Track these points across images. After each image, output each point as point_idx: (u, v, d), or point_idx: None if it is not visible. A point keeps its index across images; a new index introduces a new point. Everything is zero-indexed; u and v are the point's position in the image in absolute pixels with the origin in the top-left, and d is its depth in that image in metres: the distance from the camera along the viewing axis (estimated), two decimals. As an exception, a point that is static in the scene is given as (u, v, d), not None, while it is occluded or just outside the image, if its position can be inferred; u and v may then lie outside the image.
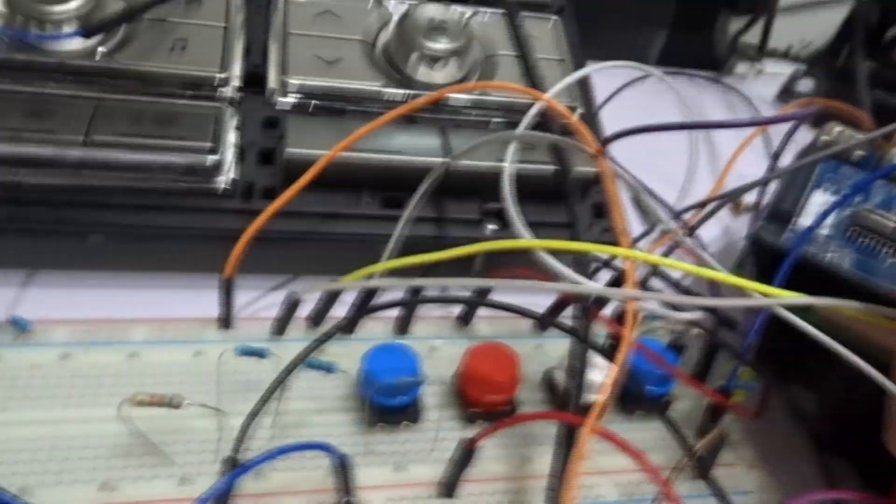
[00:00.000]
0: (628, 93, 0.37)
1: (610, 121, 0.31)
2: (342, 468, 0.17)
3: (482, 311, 0.25)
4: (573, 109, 0.29)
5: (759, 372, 0.20)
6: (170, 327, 0.22)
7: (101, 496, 0.17)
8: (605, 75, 0.34)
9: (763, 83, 0.51)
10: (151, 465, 0.18)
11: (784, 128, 0.29)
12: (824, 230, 0.22)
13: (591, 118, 0.31)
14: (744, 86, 0.50)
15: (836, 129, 0.29)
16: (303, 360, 0.17)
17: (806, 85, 0.50)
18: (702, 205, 0.25)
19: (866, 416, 0.21)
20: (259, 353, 0.19)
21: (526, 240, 0.19)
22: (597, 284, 0.18)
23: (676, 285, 0.22)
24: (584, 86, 0.30)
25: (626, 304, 0.17)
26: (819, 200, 0.24)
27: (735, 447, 0.22)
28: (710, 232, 0.31)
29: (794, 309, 0.20)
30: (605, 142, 0.20)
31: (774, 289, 0.16)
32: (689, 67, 0.45)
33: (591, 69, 0.24)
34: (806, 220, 0.22)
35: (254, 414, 0.17)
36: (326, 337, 0.17)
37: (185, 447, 0.19)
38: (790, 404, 0.21)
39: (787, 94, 0.51)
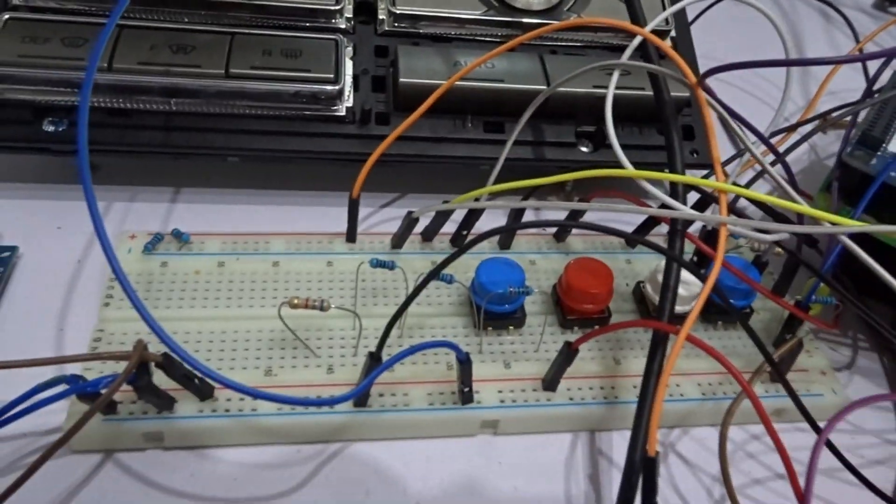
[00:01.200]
0: (716, 10, 0.38)
1: (699, 37, 0.32)
2: (465, 363, 0.20)
3: (576, 230, 0.27)
4: (666, 33, 0.30)
5: (835, 288, 0.22)
6: (304, 240, 0.25)
7: (266, 380, 0.21)
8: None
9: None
10: (303, 356, 0.22)
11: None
12: (914, 157, 0.23)
13: (684, 40, 0.31)
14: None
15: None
16: (437, 275, 0.19)
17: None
18: (792, 128, 0.26)
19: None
20: (388, 266, 0.22)
21: (627, 170, 0.21)
22: (690, 210, 0.20)
23: (765, 206, 0.23)
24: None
25: (718, 227, 0.19)
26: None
27: (810, 354, 0.24)
28: (799, 149, 0.32)
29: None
30: (704, 76, 0.21)
31: (842, 218, 0.17)
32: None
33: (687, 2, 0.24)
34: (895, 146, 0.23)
35: (396, 317, 0.20)
36: (457, 253, 0.19)
37: (328, 343, 0.22)
38: (865, 317, 0.23)
39: (886, 1, 0.50)
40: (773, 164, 0.23)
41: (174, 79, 0.25)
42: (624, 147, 0.27)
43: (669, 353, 0.19)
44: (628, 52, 0.23)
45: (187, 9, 0.27)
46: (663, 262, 0.21)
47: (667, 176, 0.20)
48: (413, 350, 0.19)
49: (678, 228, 0.21)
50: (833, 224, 0.18)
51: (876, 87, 0.27)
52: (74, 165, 0.27)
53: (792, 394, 0.20)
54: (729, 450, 0.23)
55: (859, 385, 0.25)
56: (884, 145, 0.23)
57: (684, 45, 0.31)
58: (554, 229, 0.27)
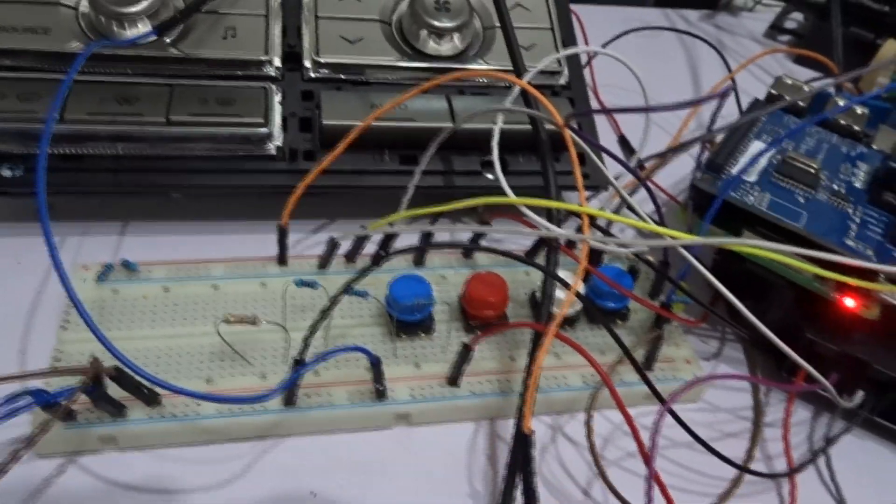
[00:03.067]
0: (629, 36, 0.43)
1: (606, 65, 0.36)
2: (376, 365, 0.24)
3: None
4: (559, 73, 0.35)
5: (682, 290, 0.26)
6: (240, 265, 0.29)
7: (207, 387, 0.24)
8: (605, 16, 0.39)
9: (756, 18, 0.55)
10: (240, 366, 0.25)
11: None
12: (752, 177, 0.28)
13: (576, 79, 0.36)
14: (737, 21, 0.54)
15: (787, 81, 0.34)
16: (348, 288, 0.23)
17: (795, 21, 0.54)
18: (662, 155, 0.30)
19: (786, 322, 0.27)
20: (311, 285, 0.25)
21: (508, 197, 0.25)
22: (559, 230, 0.24)
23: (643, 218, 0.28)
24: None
25: (582, 244, 0.24)
26: (755, 150, 0.29)
27: (678, 346, 0.29)
28: (677, 173, 0.37)
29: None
30: (567, 119, 0.25)
31: (678, 233, 0.21)
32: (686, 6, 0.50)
33: (574, 51, 0.29)
34: (738, 168, 0.28)
35: (314, 328, 0.23)
36: (364, 272, 0.23)
37: (262, 353, 0.26)
38: (708, 310, 0.27)
39: (775, 29, 0.55)
40: (635, 189, 0.27)
41: (120, 127, 0.28)
42: (524, 174, 0.32)
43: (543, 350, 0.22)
44: (510, 98, 0.28)
45: (132, 63, 0.30)
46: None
47: (538, 202, 0.24)
48: (330, 353, 0.23)
49: (553, 245, 0.25)
50: (672, 238, 0.23)
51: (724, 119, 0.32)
52: (31, 206, 0.31)
53: (641, 373, 0.24)
54: (608, 430, 0.27)
55: (723, 371, 0.29)
56: (727, 169, 0.28)
57: (577, 84, 0.35)
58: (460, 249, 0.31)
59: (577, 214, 0.26)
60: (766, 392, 0.29)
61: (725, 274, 0.28)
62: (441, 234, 0.32)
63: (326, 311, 0.23)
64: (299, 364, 0.23)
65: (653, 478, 0.21)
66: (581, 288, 0.28)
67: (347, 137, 0.29)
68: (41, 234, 0.22)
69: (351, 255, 0.29)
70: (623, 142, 0.39)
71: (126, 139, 0.28)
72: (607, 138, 0.39)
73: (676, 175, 0.38)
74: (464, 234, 0.32)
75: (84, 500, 0.22)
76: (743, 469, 0.25)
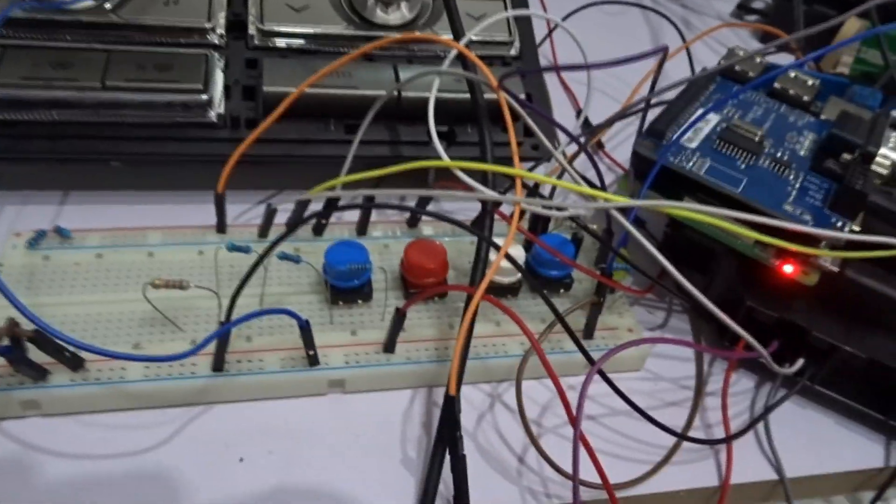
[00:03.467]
0: (593, 11, 0.43)
1: (569, 43, 0.36)
2: (305, 329, 0.23)
3: (427, 216, 0.31)
4: (510, 44, 0.34)
5: (622, 257, 0.26)
6: (178, 232, 0.28)
7: (135, 352, 0.24)
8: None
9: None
10: (170, 332, 0.25)
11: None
12: (693, 143, 0.28)
13: (529, 48, 0.35)
14: (705, 1, 0.54)
15: (739, 52, 0.33)
16: (274, 246, 0.23)
17: (763, 1, 0.54)
18: (609, 122, 0.30)
19: (729, 290, 0.27)
20: (244, 250, 0.25)
21: (443, 161, 0.24)
22: (490, 191, 0.24)
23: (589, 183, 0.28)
24: (521, 20, 0.35)
25: (515, 206, 0.23)
26: (699, 118, 0.29)
27: (621, 315, 0.28)
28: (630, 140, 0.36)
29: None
30: (501, 79, 0.25)
31: (612, 195, 0.21)
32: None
33: (520, 12, 0.29)
34: (679, 135, 0.27)
35: (239, 287, 0.23)
36: (292, 230, 0.23)
37: (194, 320, 0.25)
38: (648, 278, 0.27)
39: (742, 9, 0.55)
40: (576, 154, 0.27)
41: (55, 92, 0.28)
42: (472, 144, 0.31)
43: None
44: (447, 62, 0.27)
45: (71, 30, 0.29)
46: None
47: (472, 164, 0.24)
48: (255, 314, 0.23)
49: (487, 209, 0.24)
50: (605, 200, 0.22)
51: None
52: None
53: (571, 334, 0.23)
54: (547, 398, 0.26)
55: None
56: (667, 135, 0.27)
57: (529, 54, 0.35)
58: (406, 216, 0.30)
59: (513, 178, 0.25)
60: (711, 362, 0.29)
61: (676, 246, 0.29)
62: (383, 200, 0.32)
63: (252, 270, 0.23)
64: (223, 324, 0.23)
65: (578, 439, 0.21)
66: (521, 256, 0.27)
67: (283, 103, 0.28)
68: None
69: (292, 224, 0.29)
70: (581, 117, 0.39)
71: (62, 105, 0.28)
72: (566, 114, 0.39)
73: (629, 149, 0.37)
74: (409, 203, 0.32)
75: (6, 465, 0.22)
76: (679, 436, 0.24)
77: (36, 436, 0.23)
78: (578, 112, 0.39)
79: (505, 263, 0.26)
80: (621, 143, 0.38)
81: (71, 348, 0.23)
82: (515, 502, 0.23)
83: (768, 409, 0.26)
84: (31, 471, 0.22)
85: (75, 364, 0.23)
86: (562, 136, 0.32)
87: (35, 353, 0.22)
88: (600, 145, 0.37)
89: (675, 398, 0.27)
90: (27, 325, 0.22)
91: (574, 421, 0.21)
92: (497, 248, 0.23)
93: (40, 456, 0.22)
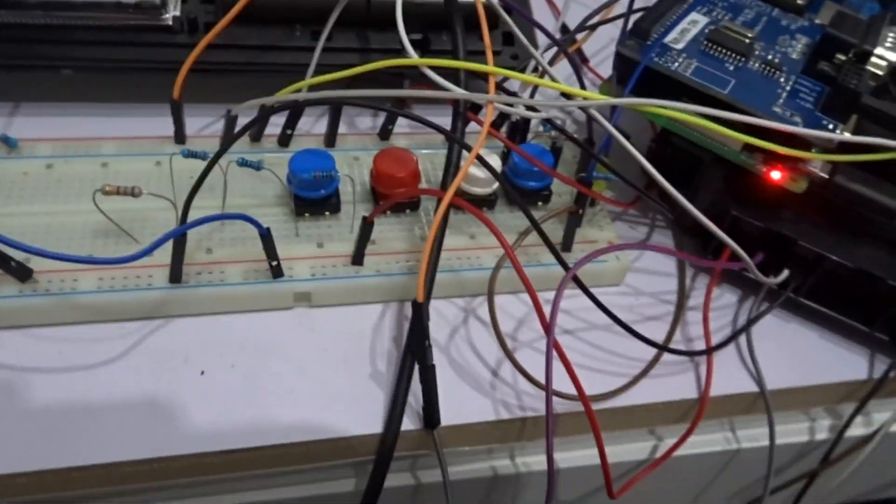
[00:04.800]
0: None
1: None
2: (266, 237, 0.22)
3: (399, 129, 0.29)
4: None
5: (603, 163, 0.24)
6: (134, 143, 0.27)
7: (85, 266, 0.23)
8: None
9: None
10: (126, 243, 0.23)
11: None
12: (680, 45, 0.26)
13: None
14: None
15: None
16: (232, 142, 0.21)
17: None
18: (594, 26, 0.28)
19: (714, 201, 0.26)
20: (201, 156, 0.23)
21: (411, 59, 0.23)
22: (462, 91, 0.22)
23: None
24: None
25: (487, 105, 0.22)
26: (687, 19, 0.27)
27: (601, 228, 0.27)
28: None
29: (648, 113, 0.24)
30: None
31: (591, 93, 0.20)
32: None
33: None
34: (662, 35, 0.26)
35: (193, 190, 0.21)
36: (250, 126, 0.21)
37: (152, 232, 0.24)
38: (632, 187, 0.25)
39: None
40: (555, 57, 0.25)
41: (-5, -11, 0.26)
42: (449, 52, 0.29)
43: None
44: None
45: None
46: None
47: (441, 62, 0.22)
48: (209, 219, 0.21)
49: (458, 110, 0.23)
50: (585, 99, 0.21)
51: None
52: None
53: (545, 239, 0.22)
54: (524, 312, 0.25)
55: (649, 255, 0.28)
56: (652, 35, 0.26)
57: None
58: (378, 129, 0.29)
59: (485, 78, 0.24)
60: (693, 277, 0.28)
61: (661, 160, 0.27)
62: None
63: (207, 169, 0.21)
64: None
65: (552, 346, 0.20)
66: (498, 167, 0.26)
67: (240, 2, 0.26)
68: None
69: (255, 134, 0.27)
70: (565, 30, 0.37)
71: (4, 4, 0.26)
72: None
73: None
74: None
75: (-49, 379, 0.21)
76: (659, 347, 0.24)
77: (-17, 350, 0.22)
78: (563, 25, 0.37)
79: (481, 174, 0.25)
80: (607, 59, 0.36)
81: (18, 257, 0.21)
82: (488, 414, 0.22)
83: (751, 321, 0.25)
84: (-22, 385, 0.21)
85: (23, 274, 0.22)
86: (542, 43, 0.30)
87: (-21, 264, 0.21)
88: (584, 60, 0.35)
89: (655, 312, 0.26)
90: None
91: (547, 328, 0.20)
92: (468, 148, 0.22)
93: (-11, 370, 0.21)
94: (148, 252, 0.21)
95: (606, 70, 0.35)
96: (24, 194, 0.24)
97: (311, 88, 0.26)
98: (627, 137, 0.27)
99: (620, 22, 0.29)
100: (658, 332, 0.26)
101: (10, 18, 0.26)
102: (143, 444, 0.20)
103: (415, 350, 0.20)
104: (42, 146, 0.26)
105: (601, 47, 0.36)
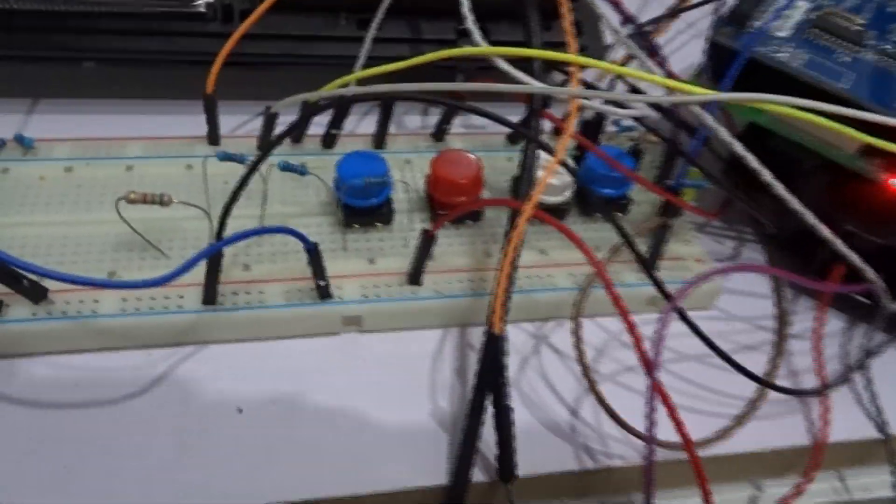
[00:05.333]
0: None
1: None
2: (313, 254, 0.19)
3: (456, 129, 0.26)
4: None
5: (699, 167, 0.21)
6: (162, 144, 0.24)
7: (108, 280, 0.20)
8: None
9: None
10: (152, 257, 0.21)
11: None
12: (782, 32, 0.23)
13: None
14: None
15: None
16: (274, 146, 0.18)
17: None
18: (673, 13, 0.25)
19: (818, 213, 0.22)
20: (239, 159, 0.21)
21: (479, 47, 0.20)
22: (541, 84, 0.19)
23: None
24: None
25: (571, 102, 0.19)
26: (786, 1, 0.24)
27: (687, 243, 0.24)
28: (687, 58, 0.31)
29: (744, 109, 0.21)
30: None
31: (695, 87, 0.17)
32: None
33: None
34: (765, 22, 0.22)
35: (231, 200, 0.19)
36: (293, 128, 0.18)
37: (181, 244, 0.21)
38: (731, 194, 0.22)
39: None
40: (641, 44, 0.22)
41: (10, -28, 0.23)
42: (507, 44, 0.26)
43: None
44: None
45: None
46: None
47: (517, 51, 0.19)
48: (250, 234, 0.19)
49: (534, 107, 0.20)
50: (686, 94, 0.18)
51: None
52: None
53: (642, 262, 0.19)
54: (602, 339, 0.22)
55: (741, 273, 0.25)
56: (752, 21, 0.22)
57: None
58: (432, 129, 0.26)
59: (565, 71, 0.21)
60: (793, 299, 0.24)
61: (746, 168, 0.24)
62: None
63: (246, 177, 0.18)
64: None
65: (654, 390, 0.17)
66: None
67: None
68: None
69: (296, 134, 0.24)
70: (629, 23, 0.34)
71: (20, -11, 0.23)
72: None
73: (687, 59, 0.32)
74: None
75: (-46, 414, 0.18)
76: (767, 384, 0.20)
77: (-8, 379, 0.19)
78: (626, 19, 0.34)
79: (554, 180, 0.22)
80: (678, 50, 0.33)
81: (30, 276, 0.19)
82: (570, 463, 0.19)
83: (868, 353, 0.22)
84: (-16, 421, 0.18)
85: (36, 294, 0.19)
86: (609, 33, 0.27)
87: (-14, 282, 0.18)
88: (652, 53, 0.32)
89: (752, 341, 0.23)
90: None
91: (650, 367, 0.17)
92: (550, 150, 0.19)
93: (-3, 403, 0.18)
94: (179, 274, 0.18)
95: (676, 63, 0.32)
96: (39, 201, 0.22)
97: (359, 84, 0.23)
98: (706, 140, 0.24)
99: (703, 8, 0.26)
100: (756, 364, 0.22)
101: (27, 5, 0.23)
102: (168, 496, 0.17)
103: (490, 390, 0.17)
104: (60, 147, 0.23)
105: (670, 37, 0.33)
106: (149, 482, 0.18)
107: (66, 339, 0.19)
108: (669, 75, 0.23)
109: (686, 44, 0.33)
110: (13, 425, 0.18)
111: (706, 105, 0.21)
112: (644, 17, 0.29)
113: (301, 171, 0.21)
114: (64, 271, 0.19)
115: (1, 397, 0.19)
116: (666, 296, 0.19)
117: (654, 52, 0.31)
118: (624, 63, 0.25)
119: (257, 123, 0.26)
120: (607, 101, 0.18)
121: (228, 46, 0.22)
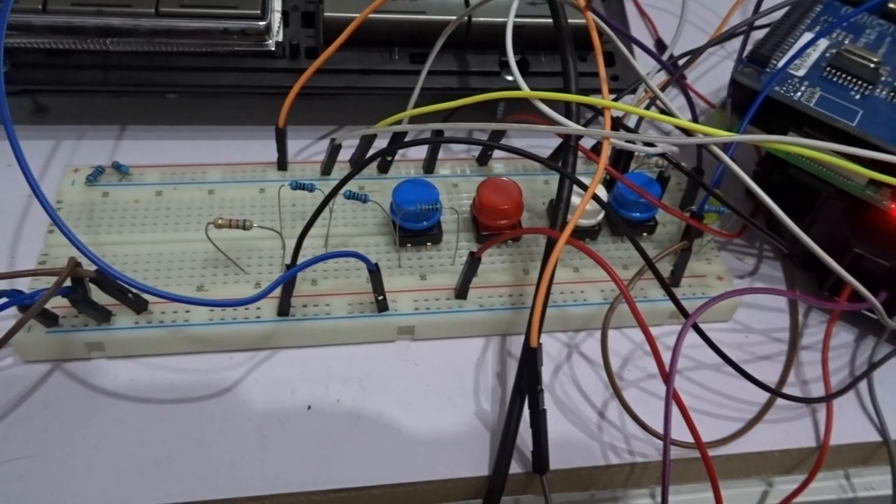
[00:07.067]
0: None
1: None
2: (374, 273, 0.22)
3: (498, 154, 0.29)
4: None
5: (717, 197, 0.23)
6: (238, 169, 0.27)
7: (198, 295, 0.23)
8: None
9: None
10: (234, 273, 0.24)
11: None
12: (800, 71, 0.25)
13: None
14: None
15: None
16: (343, 186, 0.21)
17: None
18: (698, 51, 0.27)
19: (832, 236, 0.25)
20: (308, 188, 0.24)
21: (522, 91, 0.22)
22: (576, 126, 0.22)
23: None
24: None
25: (602, 140, 0.21)
26: (805, 42, 0.26)
27: (709, 262, 0.26)
28: (717, 80, 0.33)
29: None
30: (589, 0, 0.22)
31: (713, 129, 0.19)
32: None
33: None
34: (785, 61, 0.25)
35: (306, 229, 0.21)
36: (358, 168, 0.21)
37: (258, 261, 0.24)
38: (746, 221, 0.24)
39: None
40: (666, 84, 0.24)
41: (107, 19, 0.26)
42: (547, 74, 0.29)
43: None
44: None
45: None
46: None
47: (554, 95, 0.22)
48: (321, 258, 0.21)
49: (570, 144, 0.22)
50: (704, 135, 0.20)
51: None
52: (24, 106, 0.29)
53: (662, 283, 0.21)
54: (628, 349, 0.25)
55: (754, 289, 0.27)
56: (772, 62, 0.24)
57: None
58: (476, 153, 0.28)
59: (600, 112, 0.23)
60: (805, 313, 0.26)
61: (766, 186, 0.26)
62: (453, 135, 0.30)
63: (318, 211, 0.21)
64: (289, 268, 0.22)
65: (671, 396, 0.19)
66: (604, 196, 0.25)
67: (346, 30, 0.26)
68: (34, 138, 0.20)
69: (358, 163, 0.27)
70: (660, 46, 0.36)
71: (114, 33, 0.26)
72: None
73: (717, 82, 0.34)
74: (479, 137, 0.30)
75: (70, 405, 0.21)
76: (775, 392, 0.23)
77: (100, 378, 0.22)
78: (657, 40, 0.36)
79: (588, 205, 0.24)
80: (704, 74, 0.35)
81: (133, 290, 0.22)
82: (596, 459, 0.22)
83: (873, 365, 0.24)
84: (94, 413, 0.21)
85: (139, 306, 0.22)
86: (647, 65, 0.29)
87: (98, 294, 0.21)
88: (682, 78, 0.34)
89: (767, 351, 0.25)
90: (89, 266, 0.21)
91: (667, 376, 0.19)
92: (583, 186, 0.21)
93: (104, 398, 0.22)
94: (264, 295, 0.21)
95: (703, 88, 0.34)
96: (135, 222, 0.25)
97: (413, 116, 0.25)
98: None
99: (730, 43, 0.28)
100: (770, 374, 0.25)
101: (120, 47, 0.27)
102: (253, 480, 0.20)
103: (528, 395, 0.20)
104: (151, 173, 0.26)
105: (699, 63, 0.35)
106: (235, 467, 0.21)
107: (162, 344, 0.22)
108: (693, 108, 0.25)
109: (719, 63, 0.35)
110: (121, 419, 0.21)
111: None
112: (678, 38, 0.31)
113: (364, 198, 0.24)
114: (160, 286, 0.22)
115: (109, 394, 0.22)
116: (683, 312, 0.21)
117: (682, 77, 0.33)
118: (651, 101, 0.28)
119: (318, 147, 0.29)
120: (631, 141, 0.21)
121: (299, 84, 0.25)
